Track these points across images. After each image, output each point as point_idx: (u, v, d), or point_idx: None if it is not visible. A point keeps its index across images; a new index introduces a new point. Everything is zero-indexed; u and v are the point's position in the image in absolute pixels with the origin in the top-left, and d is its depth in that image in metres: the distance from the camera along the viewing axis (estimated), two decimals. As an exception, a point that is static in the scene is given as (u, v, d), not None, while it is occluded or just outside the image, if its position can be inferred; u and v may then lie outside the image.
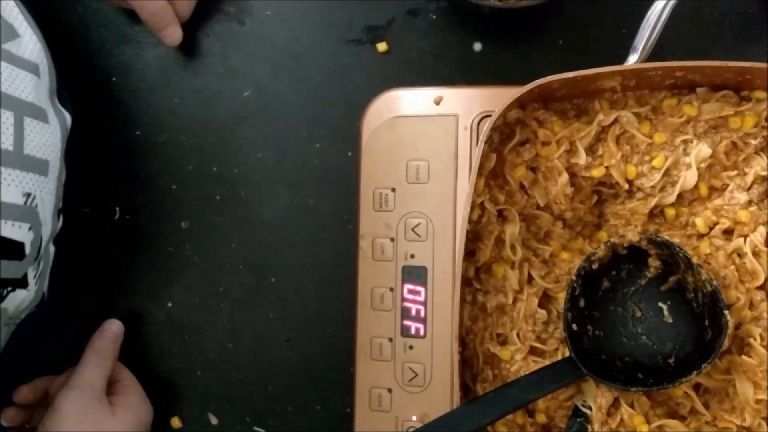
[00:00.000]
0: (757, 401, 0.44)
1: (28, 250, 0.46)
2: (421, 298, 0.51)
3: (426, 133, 0.51)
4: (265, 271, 0.56)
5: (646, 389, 0.45)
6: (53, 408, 0.49)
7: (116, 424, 0.50)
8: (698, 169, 0.46)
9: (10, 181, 0.44)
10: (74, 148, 0.54)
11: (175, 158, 0.57)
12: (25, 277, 0.47)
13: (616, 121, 0.47)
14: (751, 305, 0.46)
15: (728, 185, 0.47)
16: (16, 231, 0.44)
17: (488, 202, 0.47)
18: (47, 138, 0.48)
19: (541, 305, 0.48)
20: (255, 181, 0.56)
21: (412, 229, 0.51)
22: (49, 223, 0.49)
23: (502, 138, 0.48)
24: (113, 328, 0.55)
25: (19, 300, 0.47)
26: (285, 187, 0.56)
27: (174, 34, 0.54)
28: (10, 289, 0.46)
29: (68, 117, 0.52)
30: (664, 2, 0.46)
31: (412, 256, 0.51)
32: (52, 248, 0.52)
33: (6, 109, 0.44)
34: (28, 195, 0.46)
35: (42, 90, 0.49)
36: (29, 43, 0.48)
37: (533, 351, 0.48)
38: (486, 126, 0.45)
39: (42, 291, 0.51)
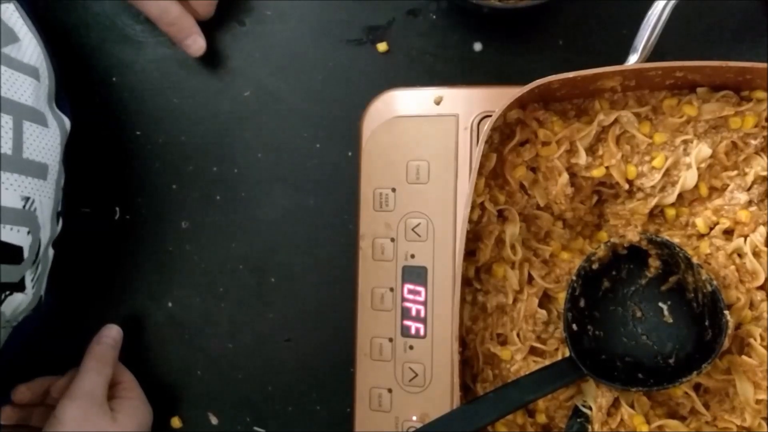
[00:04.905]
0: (757, 401, 0.44)
1: (26, 254, 0.46)
2: (421, 298, 0.51)
3: (426, 133, 0.51)
4: (265, 271, 0.56)
5: (646, 389, 0.45)
6: (54, 416, 0.49)
7: (117, 430, 0.50)
8: (698, 169, 0.46)
9: (9, 185, 0.44)
10: (74, 149, 0.54)
11: (175, 158, 0.57)
12: (22, 281, 0.47)
13: (616, 121, 0.47)
14: (751, 305, 0.46)
15: (728, 185, 0.47)
16: (15, 235, 0.44)
17: (488, 202, 0.47)
18: (46, 142, 0.48)
19: (541, 305, 0.48)
20: (255, 181, 0.56)
21: (412, 229, 0.51)
22: (48, 226, 0.49)
23: (502, 138, 0.48)
24: (112, 333, 0.55)
25: (16, 303, 0.47)
26: (285, 187, 0.56)
27: (195, 45, 0.54)
28: (7, 293, 0.46)
29: (67, 121, 0.52)
30: (664, 2, 0.46)
31: (412, 256, 0.51)
32: (51, 252, 0.52)
33: (5, 113, 0.44)
34: (27, 199, 0.46)
35: (41, 94, 0.49)
36: (29, 47, 0.48)
37: (533, 351, 0.48)
38: (486, 126, 0.45)
39: (39, 294, 0.51)
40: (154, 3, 0.51)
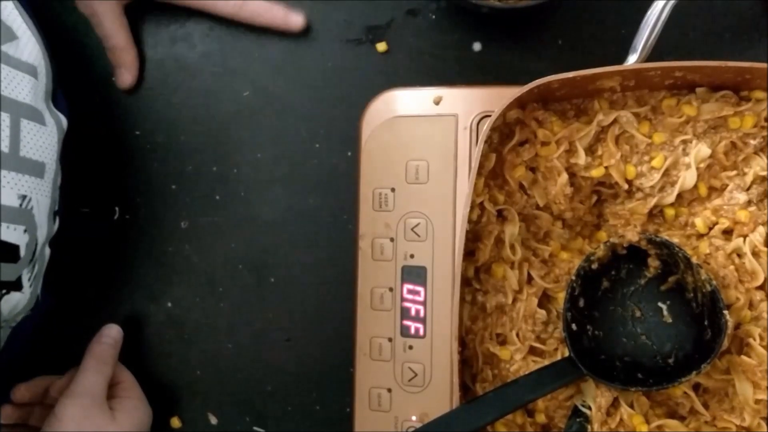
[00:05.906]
0: (757, 401, 0.44)
1: (23, 252, 0.46)
2: (421, 298, 0.51)
3: (425, 133, 0.51)
4: (265, 271, 0.56)
5: (646, 389, 0.45)
6: (54, 415, 0.49)
7: (117, 429, 0.50)
8: (698, 169, 0.46)
9: (5, 183, 0.44)
10: (74, 148, 0.54)
11: (175, 158, 0.57)
12: (19, 280, 0.47)
13: (615, 121, 0.47)
14: (751, 305, 0.46)
15: (727, 185, 0.47)
16: (11, 233, 0.44)
17: (488, 202, 0.47)
18: (44, 140, 0.48)
19: (540, 305, 0.48)
20: (255, 181, 0.56)
21: (412, 229, 0.51)
22: (44, 225, 0.49)
23: (502, 138, 0.48)
24: (112, 333, 0.55)
25: (14, 303, 0.47)
26: (285, 187, 0.56)
27: (120, 78, 0.56)
28: (4, 291, 0.46)
29: (64, 120, 0.52)
30: (664, 2, 0.46)
31: (412, 256, 0.51)
32: (47, 251, 0.52)
33: (3, 111, 0.44)
34: (24, 197, 0.46)
35: (39, 92, 0.49)
36: (27, 44, 0.48)
37: (533, 351, 0.48)
38: (485, 126, 0.45)
39: (36, 294, 0.51)
40: (100, 24, 0.54)
